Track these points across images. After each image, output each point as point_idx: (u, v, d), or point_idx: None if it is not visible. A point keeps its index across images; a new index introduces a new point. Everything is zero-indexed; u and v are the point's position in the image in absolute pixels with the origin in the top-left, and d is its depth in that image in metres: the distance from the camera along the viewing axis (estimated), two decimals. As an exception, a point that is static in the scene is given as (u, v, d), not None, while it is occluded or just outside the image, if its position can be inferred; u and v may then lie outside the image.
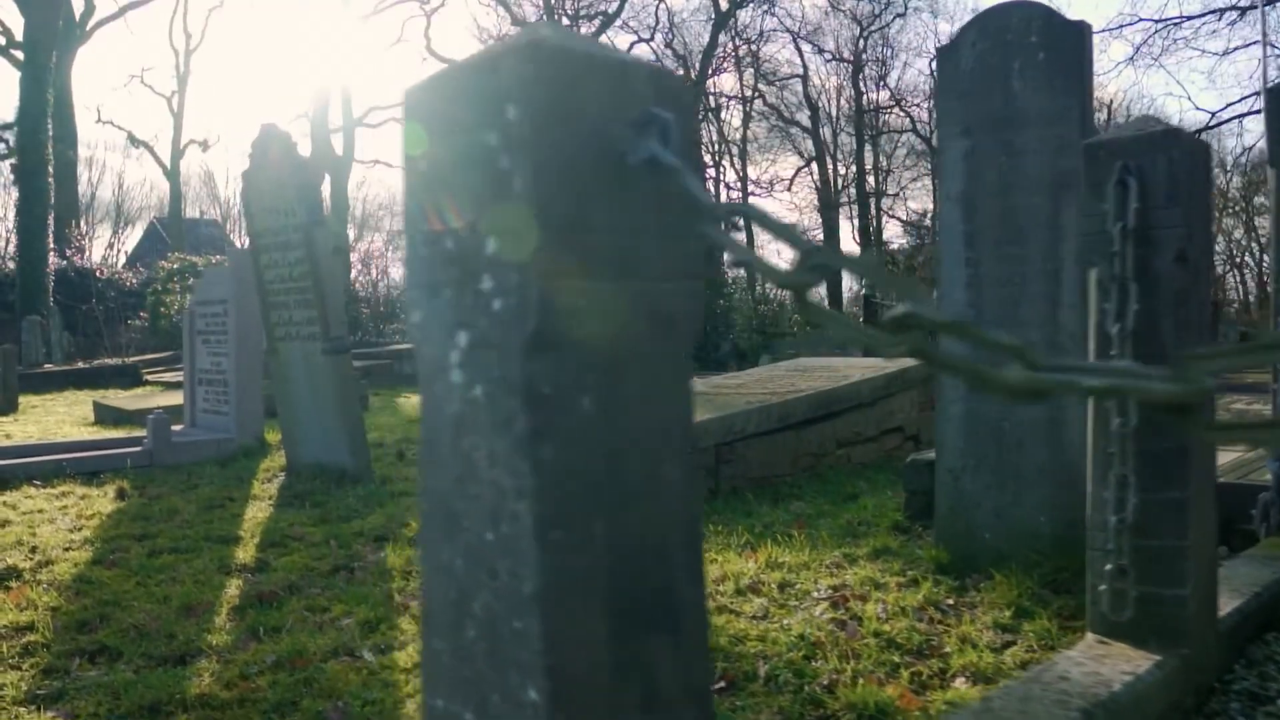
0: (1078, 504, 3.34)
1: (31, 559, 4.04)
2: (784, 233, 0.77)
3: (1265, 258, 37.30)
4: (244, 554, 4.13)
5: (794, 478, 5.37)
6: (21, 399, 11.38)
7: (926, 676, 2.49)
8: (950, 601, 3.09)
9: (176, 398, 10.15)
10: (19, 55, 24.15)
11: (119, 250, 41.24)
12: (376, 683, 2.60)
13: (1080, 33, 3.31)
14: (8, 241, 31.26)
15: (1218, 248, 34.90)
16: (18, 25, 24.37)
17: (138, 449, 6.38)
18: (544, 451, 0.75)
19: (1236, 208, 36.02)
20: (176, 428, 7.01)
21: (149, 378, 14.77)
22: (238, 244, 43.97)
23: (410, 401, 11.51)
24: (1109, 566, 1.90)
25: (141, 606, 3.40)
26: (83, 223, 31.96)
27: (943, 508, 3.55)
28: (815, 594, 3.21)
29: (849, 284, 40.15)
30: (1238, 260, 39.54)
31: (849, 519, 4.26)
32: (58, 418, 10.21)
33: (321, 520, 4.75)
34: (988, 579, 3.24)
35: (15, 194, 22.03)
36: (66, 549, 4.20)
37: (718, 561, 3.65)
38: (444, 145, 0.81)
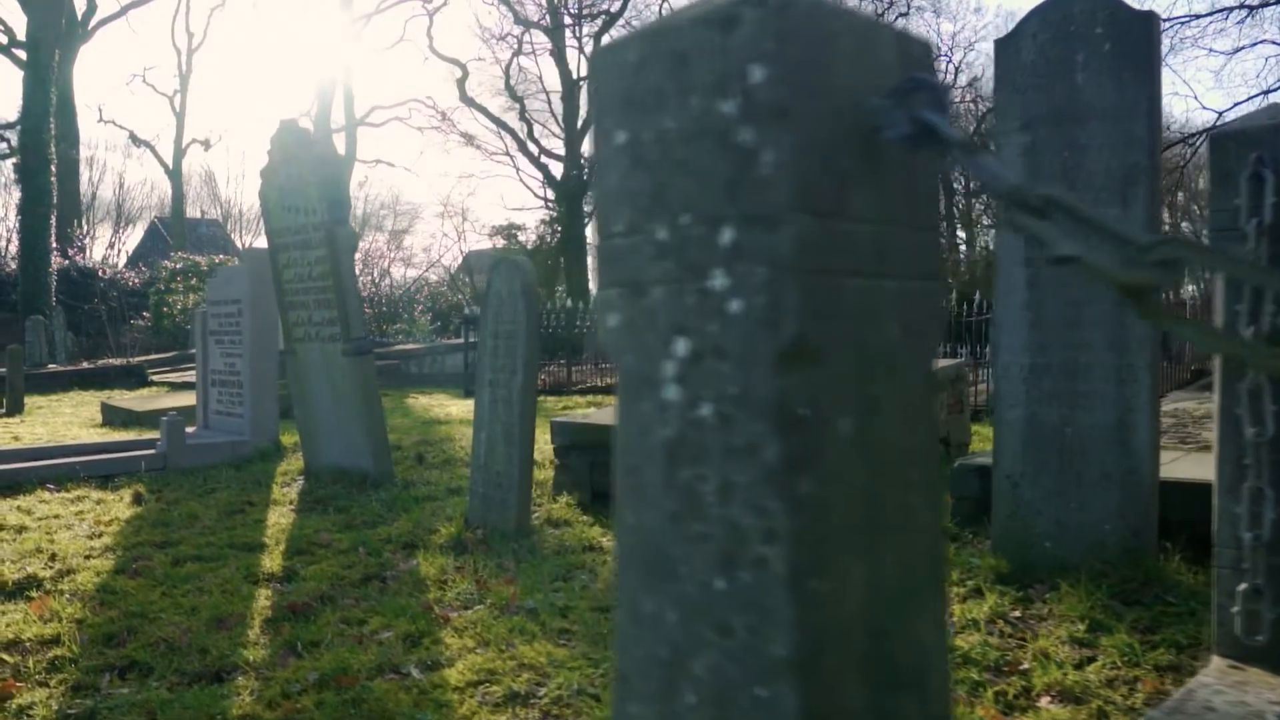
0: (1145, 513, 3.22)
1: (51, 567, 3.91)
2: (1109, 226, 0.64)
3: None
4: (270, 562, 4.00)
5: (827, 482, 5.24)
6: (27, 399, 11.24)
7: (1012, 696, 2.36)
8: (1017, 613, 2.96)
9: (185, 399, 10.01)
10: (21, 55, 24.03)
11: (119, 250, 41.11)
12: (429, 703, 2.47)
13: (1149, 23, 3.19)
14: (9, 241, 31.15)
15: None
16: (19, 24, 24.26)
17: (151, 452, 6.24)
18: (801, 484, 0.62)
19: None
20: (189, 430, 6.88)
21: (154, 378, 14.63)
22: (239, 243, 43.88)
23: (419, 402, 11.38)
24: (1242, 586, 1.78)
25: (170, 619, 3.27)
26: (84, 222, 31.82)
27: (1000, 515, 3.42)
28: (874, 606, 3.09)
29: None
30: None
31: (894, 526, 4.14)
32: (65, 419, 10.07)
33: (346, 526, 4.62)
34: (1053, 589, 3.11)
35: (17, 193, 21.88)
36: (87, 557, 4.07)
37: (767, 571, 3.53)
38: (655, 117, 0.68)
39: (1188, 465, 3.81)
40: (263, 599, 3.52)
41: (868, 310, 0.67)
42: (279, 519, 4.83)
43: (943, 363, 6.49)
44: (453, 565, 3.84)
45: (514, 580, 3.59)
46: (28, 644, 3.09)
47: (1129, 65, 3.17)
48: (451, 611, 3.26)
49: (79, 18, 27.08)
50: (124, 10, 29.79)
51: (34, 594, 3.61)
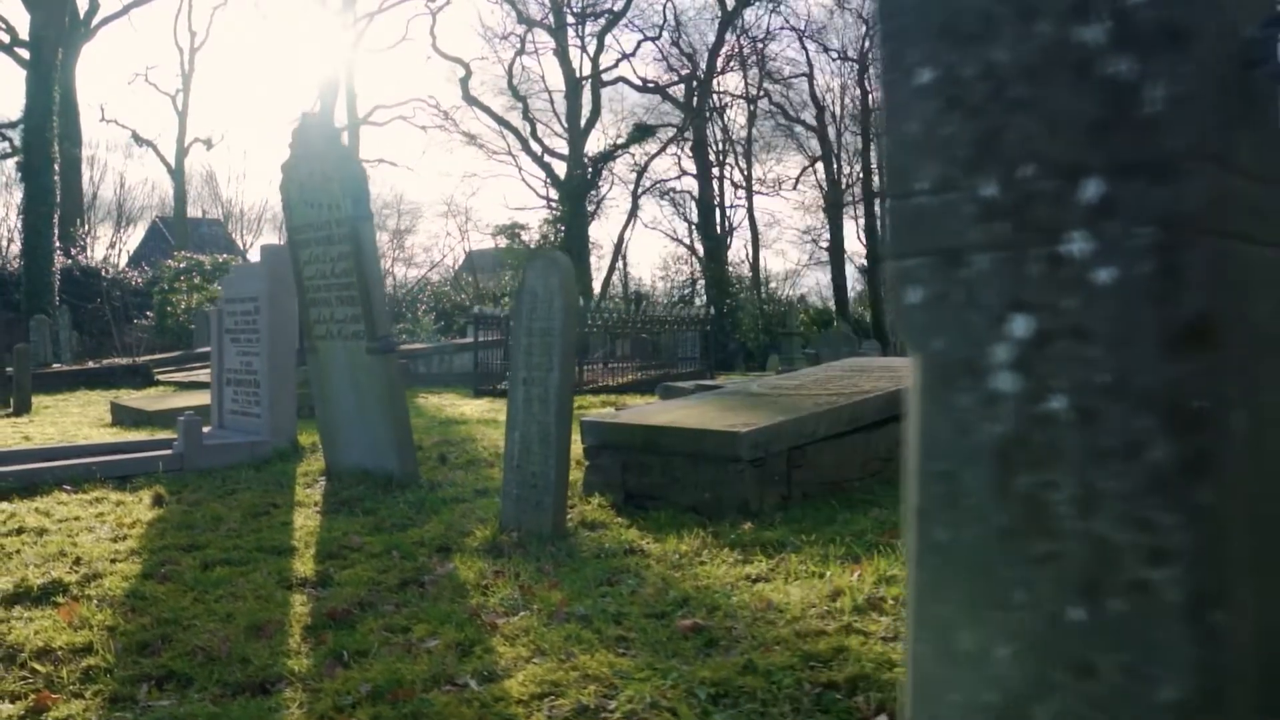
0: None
1: (76, 572, 3.78)
2: None
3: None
4: (302, 566, 3.88)
5: (863, 482, 5.12)
6: (34, 399, 11.11)
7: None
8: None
9: (195, 398, 9.88)
10: (24, 53, 23.89)
11: (120, 250, 40.97)
12: (493, 717, 2.35)
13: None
14: (10, 241, 30.99)
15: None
16: (22, 22, 24.11)
17: (168, 452, 6.12)
18: (1200, 493, 0.50)
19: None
20: (204, 429, 6.75)
21: (161, 378, 14.50)
22: (240, 243, 43.70)
23: (431, 402, 11.25)
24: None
25: (204, 626, 3.15)
26: (85, 222, 31.65)
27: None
28: (941, 613, 2.96)
29: (852, 283, 39.85)
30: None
31: (943, 528, 4.01)
32: (73, 418, 9.95)
33: (376, 529, 4.50)
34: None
35: (20, 192, 21.74)
36: (113, 560, 3.95)
37: (822, 575, 3.40)
38: (980, 49, 0.56)
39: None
40: (299, 605, 3.40)
41: (1253, 283, 0.54)
42: (305, 521, 4.70)
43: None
44: (491, 569, 3.72)
45: (558, 585, 3.47)
46: (59, 653, 2.97)
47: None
48: (498, 618, 3.14)
49: (81, 16, 26.95)
50: (126, 9, 29.64)
51: (61, 599, 3.48)
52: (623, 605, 3.18)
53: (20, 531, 4.43)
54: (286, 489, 5.50)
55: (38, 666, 2.87)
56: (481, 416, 9.12)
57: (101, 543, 4.25)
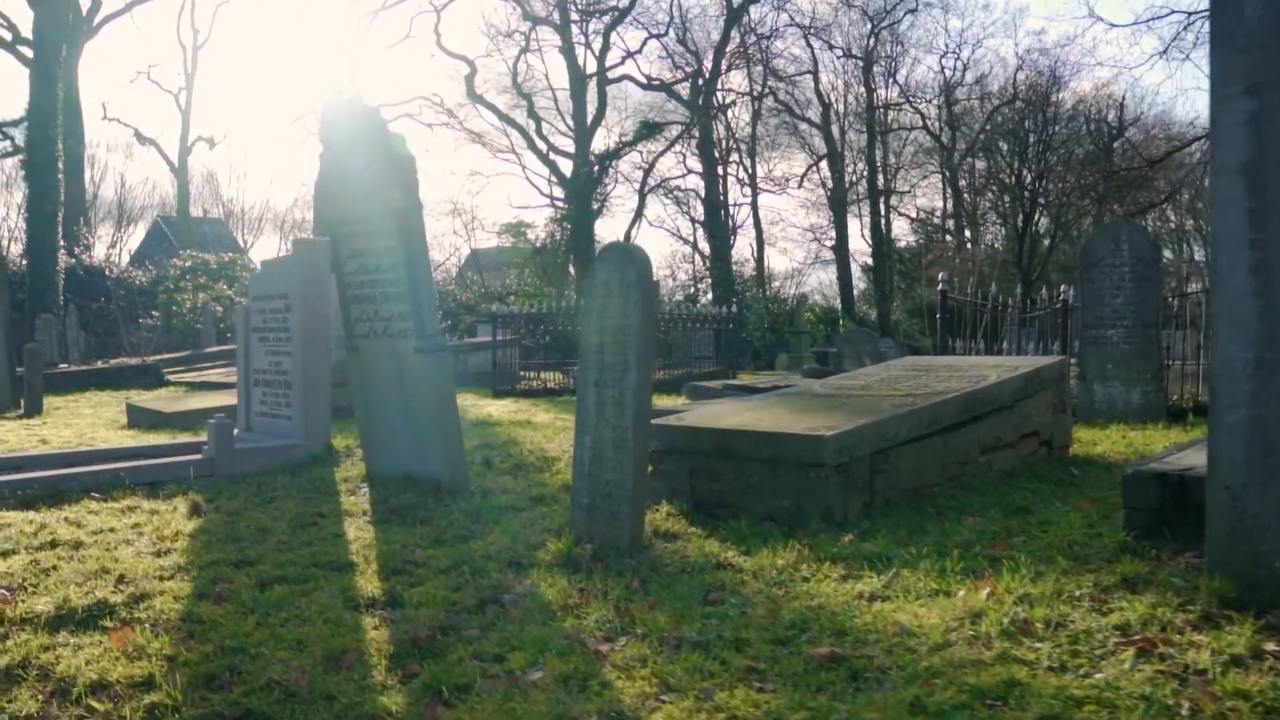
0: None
1: (122, 591, 3.47)
2: None
3: None
4: (367, 584, 3.57)
5: (943, 488, 4.82)
6: (44, 400, 10.78)
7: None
8: (1273, 646, 2.54)
9: (210, 399, 9.57)
10: (26, 51, 23.55)
11: (121, 249, 40.61)
12: (639, 770, 2.05)
13: (1406, -35, 2.77)
14: (12, 241, 30.61)
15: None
16: (25, 20, 23.76)
17: (198, 456, 5.81)
18: None
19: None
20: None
21: (171, 378, 14.19)
22: (241, 242, 43.34)
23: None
24: None
25: (275, 655, 2.84)
26: (87, 221, 31.22)
27: (1218, 530, 3.00)
28: (1100, 635, 2.66)
29: (857, 281, 39.54)
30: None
31: (1057, 538, 3.71)
32: (87, 420, 9.62)
33: (436, 541, 4.19)
34: (1301, 618, 2.69)
35: (23, 191, 21.38)
36: (159, 578, 3.64)
37: (947, 593, 3.10)
38: None
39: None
40: (372, 630, 3.10)
41: None
42: (358, 533, 4.39)
43: (1044, 360, 6.08)
44: (574, 587, 3.42)
45: (656, 605, 3.17)
46: (118, 687, 2.66)
47: (1384, 14, 2.76)
48: (600, 644, 2.84)
49: (84, 13, 26.59)
50: (129, 6, 29.25)
51: (108, 623, 3.18)
52: (738, 629, 2.88)
53: (54, 545, 4.12)
54: (329, 496, 5.19)
55: (95, 704, 2.57)
56: (512, 418, 8.82)
57: (143, 557, 3.94)
